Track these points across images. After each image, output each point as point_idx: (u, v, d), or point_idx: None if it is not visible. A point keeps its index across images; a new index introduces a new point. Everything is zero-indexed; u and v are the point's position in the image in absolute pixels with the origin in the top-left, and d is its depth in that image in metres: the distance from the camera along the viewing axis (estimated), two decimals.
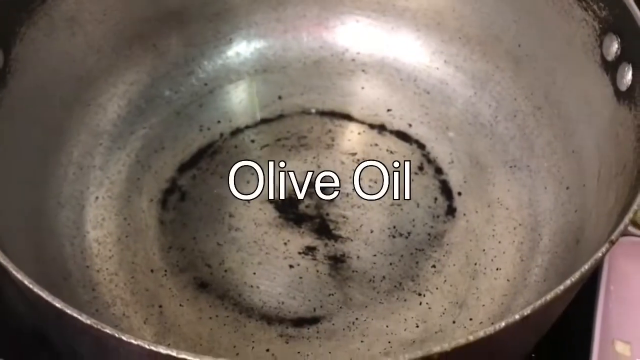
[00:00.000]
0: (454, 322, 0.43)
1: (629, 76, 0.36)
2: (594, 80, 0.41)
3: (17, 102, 0.43)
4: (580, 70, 0.42)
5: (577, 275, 0.26)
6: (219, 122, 0.53)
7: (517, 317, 0.26)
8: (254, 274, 0.45)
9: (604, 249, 0.27)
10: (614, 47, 0.38)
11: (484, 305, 0.43)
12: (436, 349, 0.25)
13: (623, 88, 0.37)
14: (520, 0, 0.47)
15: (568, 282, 0.26)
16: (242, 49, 0.56)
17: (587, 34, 0.41)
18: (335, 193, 0.49)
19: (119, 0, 0.49)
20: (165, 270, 0.45)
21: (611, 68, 0.39)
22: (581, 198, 0.43)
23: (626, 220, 0.28)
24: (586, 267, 0.26)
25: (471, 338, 0.25)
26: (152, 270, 0.45)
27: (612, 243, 0.27)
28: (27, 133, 0.44)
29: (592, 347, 0.43)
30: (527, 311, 0.26)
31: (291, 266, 0.45)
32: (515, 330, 0.27)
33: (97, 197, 0.48)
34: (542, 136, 0.48)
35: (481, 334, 0.26)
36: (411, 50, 0.55)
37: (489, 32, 0.51)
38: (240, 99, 0.54)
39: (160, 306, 0.44)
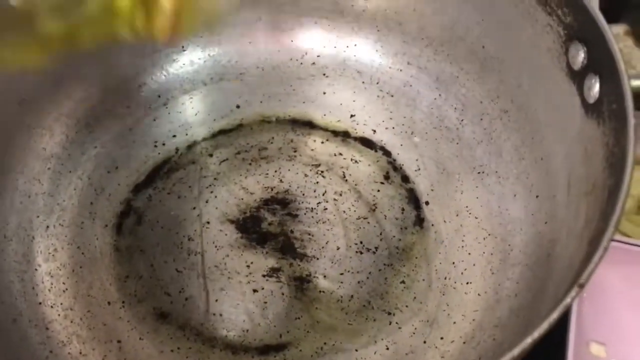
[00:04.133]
0: (424, 342, 0.42)
1: (595, 88, 0.35)
2: (560, 88, 0.39)
3: None
4: (547, 76, 0.40)
5: (544, 325, 0.24)
6: (174, 136, 0.51)
7: None
8: (216, 300, 0.43)
9: (573, 294, 0.26)
10: (580, 56, 0.36)
11: (454, 323, 0.42)
12: None
13: (590, 100, 0.35)
14: (483, 2, 0.44)
15: (535, 334, 0.24)
16: (195, 57, 0.53)
17: (552, 39, 0.39)
18: (299, 209, 0.47)
19: None
20: (123, 302, 0.43)
21: (578, 77, 0.37)
22: (551, 209, 0.41)
23: (596, 258, 0.26)
24: (554, 315, 0.25)
25: None
26: (109, 303, 0.43)
27: (581, 287, 0.25)
28: None
29: (568, 350, 0.42)
30: None
31: (255, 290, 0.43)
32: None
33: (47, 226, 0.45)
34: (510, 140, 0.47)
35: None
36: (373, 52, 0.53)
37: (451, 33, 0.49)
38: (196, 111, 0.52)
39: (119, 341, 0.42)
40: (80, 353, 0.41)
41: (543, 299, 0.37)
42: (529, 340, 0.24)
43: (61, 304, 0.43)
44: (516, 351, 0.24)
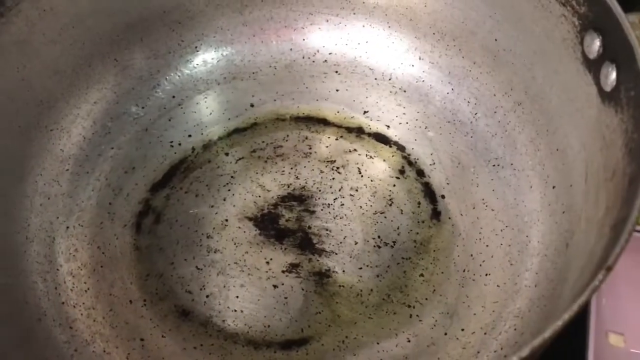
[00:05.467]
0: (445, 334, 0.42)
1: (612, 76, 0.35)
2: (576, 78, 0.39)
3: None
4: (562, 67, 0.40)
5: (574, 307, 0.25)
6: (189, 136, 0.51)
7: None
8: (237, 297, 0.43)
9: (600, 277, 0.26)
10: (595, 45, 0.37)
11: (475, 314, 0.42)
12: None
13: (607, 89, 0.36)
14: None
15: (565, 316, 0.24)
16: (209, 57, 0.54)
17: (567, 30, 0.39)
18: (316, 205, 0.47)
19: (73, 19, 0.46)
20: (145, 300, 0.43)
21: (594, 67, 0.37)
22: (568, 199, 0.41)
23: (622, 241, 0.27)
24: (582, 298, 0.25)
25: None
26: (130, 301, 0.43)
27: (609, 270, 0.25)
28: None
29: (588, 340, 0.43)
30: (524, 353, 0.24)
31: (275, 286, 0.44)
32: None
33: (67, 227, 0.46)
34: (524, 133, 0.47)
35: None
36: (384, 48, 0.53)
37: (463, 27, 0.49)
38: (210, 110, 0.52)
39: (142, 339, 0.42)
40: (104, 351, 0.41)
41: (563, 288, 0.38)
42: (559, 323, 0.25)
43: (83, 303, 0.43)
44: (547, 334, 0.24)
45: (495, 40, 0.47)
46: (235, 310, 0.43)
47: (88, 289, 0.44)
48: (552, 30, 0.40)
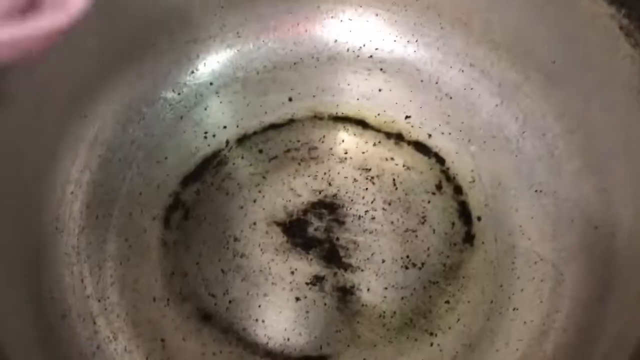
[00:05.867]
0: None
1: None
2: (635, 124, 0.37)
3: (9, 121, 0.40)
4: (621, 108, 0.38)
5: None
6: (224, 127, 0.50)
7: None
8: (259, 306, 0.43)
9: None
10: None
11: (497, 350, 0.42)
12: None
13: None
14: (558, 17, 0.41)
15: None
16: (250, 44, 0.52)
17: (632, 72, 0.36)
18: (347, 215, 0.46)
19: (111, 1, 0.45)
20: (168, 299, 0.44)
21: None
22: (610, 245, 0.39)
23: None
24: None
25: None
26: (154, 299, 0.44)
27: None
28: (18, 154, 0.42)
29: None
30: None
31: (298, 298, 0.43)
32: None
33: (97, 216, 0.46)
34: (572, 162, 0.44)
35: None
36: (434, 49, 0.51)
37: (519, 42, 0.46)
38: (248, 101, 0.51)
39: (163, 340, 0.42)
40: (125, 350, 0.42)
41: (595, 349, 0.36)
42: None
43: (108, 297, 0.44)
44: None
45: (553, 62, 0.44)
46: (257, 320, 0.43)
47: (113, 282, 0.44)
48: (617, 69, 0.37)
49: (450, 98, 0.50)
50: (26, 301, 0.39)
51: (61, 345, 0.40)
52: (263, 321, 0.43)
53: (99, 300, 0.43)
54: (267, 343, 0.42)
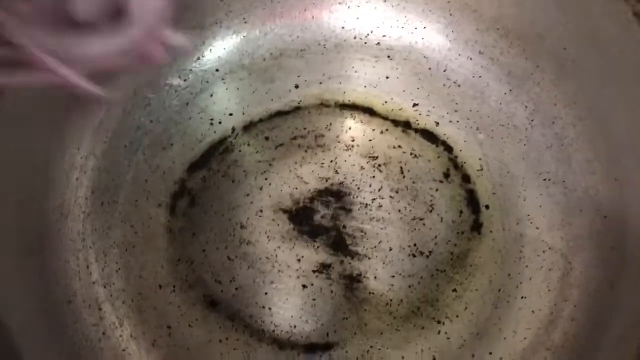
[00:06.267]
0: (473, 355, 0.41)
1: None
2: None
3: (14, 107, 0.40)
4: (632, 96, 0.37)
5: None
6: (230, 114, 0.49)
7: None
8: (266, 293, 0.43)
9: None
10: None
11: (505, 338, 0.41)
12: None
13: None
14: (570, 3, 0.41)
15: None
16: (256, 30, 0.51)
17: None
18: (353, 203, 0.46)
19: None
20: (174, 286, 0.44)
21: None
22: (619, 235, 0.39)
23: None
24: None
25: None
26: (160, 286, 0.44)
27: None
28: (24, 139, 0.41)
29: None
30: None
31: (304, 286, 0.43)
32: None
33: (102, 203, 0.46)
34: (581, 152, 0.44)
35: None
36: (443, 36, 0.50)
37: (530, 28, 0.45)
38: (254, 88, 0.50)
39: (169, 326, 0.42)
40: (131, 336, 0.42)
41: (604, 334, 0.36)
42: None
43: (114, 284, 0.43)
44: None
45: (564, 49, 0.43)
46: (263, 307, 0.43)
47: (119, 269, 0.44)
48: (629, 55, 0.37)
49: (459, 86, 0.50)
50: (32, 287, 0.39)
51: (67, 331, 0.40)
52: (270, 308, 0.43)
53: (105, 287, 0.43)
54: (274, 330, 0.42)
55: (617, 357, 0.31)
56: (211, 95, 0.50)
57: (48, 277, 0.41)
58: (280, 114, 0.50)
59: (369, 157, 0.48)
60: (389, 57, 0.51)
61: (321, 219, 0.45)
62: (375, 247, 0.44)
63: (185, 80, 0.50)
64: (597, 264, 0.41)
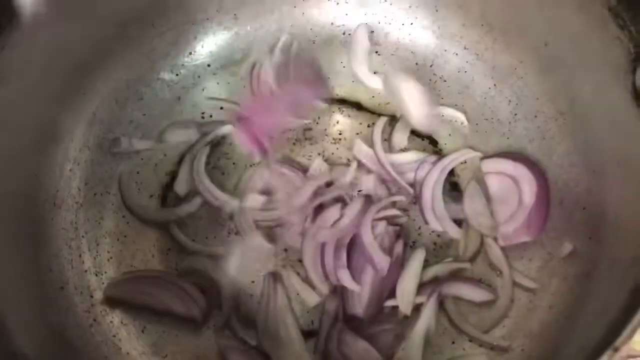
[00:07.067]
0: (452, 342, 0.42)
1: None
2: (623, 108, 0.37)
3: (8, 102, 0.41)
4: (610, 91, 0.38)
5: None
6: (221, 108, 0.50)
7: None
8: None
9: (605, 358, 0.25)
10: None
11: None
12: None
13: None
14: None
15: None
16: (247, 26, 0.52)
17: (620, 54, 0.37)
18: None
19: None
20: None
21: None
22: (597, 227, 0.40)
23: (634, 323, 0.26)
24: None
25: None
26: None
27: (616, 350, 0.25)
28: (17, 133, 0.42)
29: None
30: None
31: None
32: None
33: (94, 194, 0.47)
34: (562, 145, 0.45)
35: None
36: (429, 32, 0.51)
37: (513, 23, 0.46)
38: (244, 83, 0.51)
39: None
40: (122, 322, 0.43)
41: (577, 320, 0.37)
42: None
43: (105, 272, 0.45)
44: None
45: (546, 44, 0.44)
46: (252, 296, 0.44)
47: (111, 257, 0.45)
48: (606, 51, 0.38)
49: (445, 81, 0.51)
50: (26, 274, 0.40)
51: (59, 317, 0.41)
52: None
53: (97, 275, 0.44)
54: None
55: (586, 345, 0.32)
56: (202, 90, 0.51)
57: (41, 265, 0.42)
58: None
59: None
60: (376, 52, 0.52)
61: None
62: None
63: (177, 75, 0.51)
64: (575, 254, 0.42)
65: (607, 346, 0.26)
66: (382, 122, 0.49)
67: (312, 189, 0.45)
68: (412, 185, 0.46)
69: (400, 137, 0.48)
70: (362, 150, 0.48)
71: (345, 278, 0.42)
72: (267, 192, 0.46)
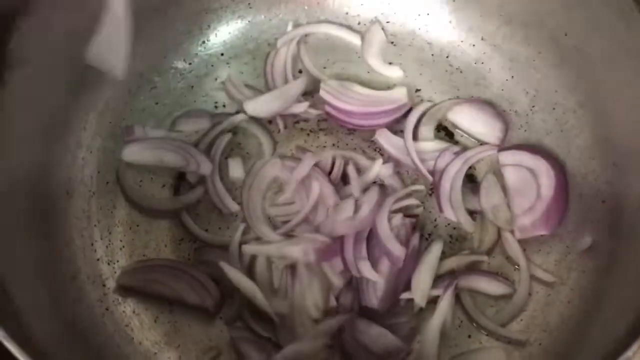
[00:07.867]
0: (469, 336, 0.42)
1: None
2: None
3: (22, 88, 0.40)
4: (631, 81, 0.37)
5: None
6: (234, 98, 0.50)
7: None
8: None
9: None
10: None
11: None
12: None
13: None
14: None
15: None
16: (261, 15, 0.52)
17: None
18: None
19: None
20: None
21: None
22: (617, 221, 0.40)
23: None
24: None
25: None
26: None
27: None
28: (31, 120, 0.42)
29: None
30: None
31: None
32: None
33: (107, 182, 0.46)
34: (581, 137, 0.44)
35: None
36: (446, 23, 0.50)
37: (533, 14, 0.46)
38: (258, 72, 0.51)
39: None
40: (134, 312, 0.43)
41: (596, 315, 0.37)
42: None
43: (117, 261, 0.44)
44: None
45: (566, 34, 0.43)
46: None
47: (123, 246, 0.45)
48: (628, 40, 0.37)
49: (461, 72, 0.50)
50: (37, 263, 0.39)
51: (72, 306, 0.41)
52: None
53: (109, 264, 0.44)
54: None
55: (608, 339, 0.31)
56: (216, 79, 0.50)
57: (53, 254, 0.41)
58: None
59: (370, 140, 0.48)
60: (392, 42, 0.51)
61: None
62: None
63: (190, 64, 0.51)
64: (594, 248, 0.41)
65: (630, 341, 0.25)
66: (417, 112, 0.48)
67: (326, 180, 0.45)
68: (431, 173, 0.46)
69: (427, 131, 0.48)
70: (384, 136, 0.47)
71: (365, 270, 0.41)
72: (279, 184, 0.46)
